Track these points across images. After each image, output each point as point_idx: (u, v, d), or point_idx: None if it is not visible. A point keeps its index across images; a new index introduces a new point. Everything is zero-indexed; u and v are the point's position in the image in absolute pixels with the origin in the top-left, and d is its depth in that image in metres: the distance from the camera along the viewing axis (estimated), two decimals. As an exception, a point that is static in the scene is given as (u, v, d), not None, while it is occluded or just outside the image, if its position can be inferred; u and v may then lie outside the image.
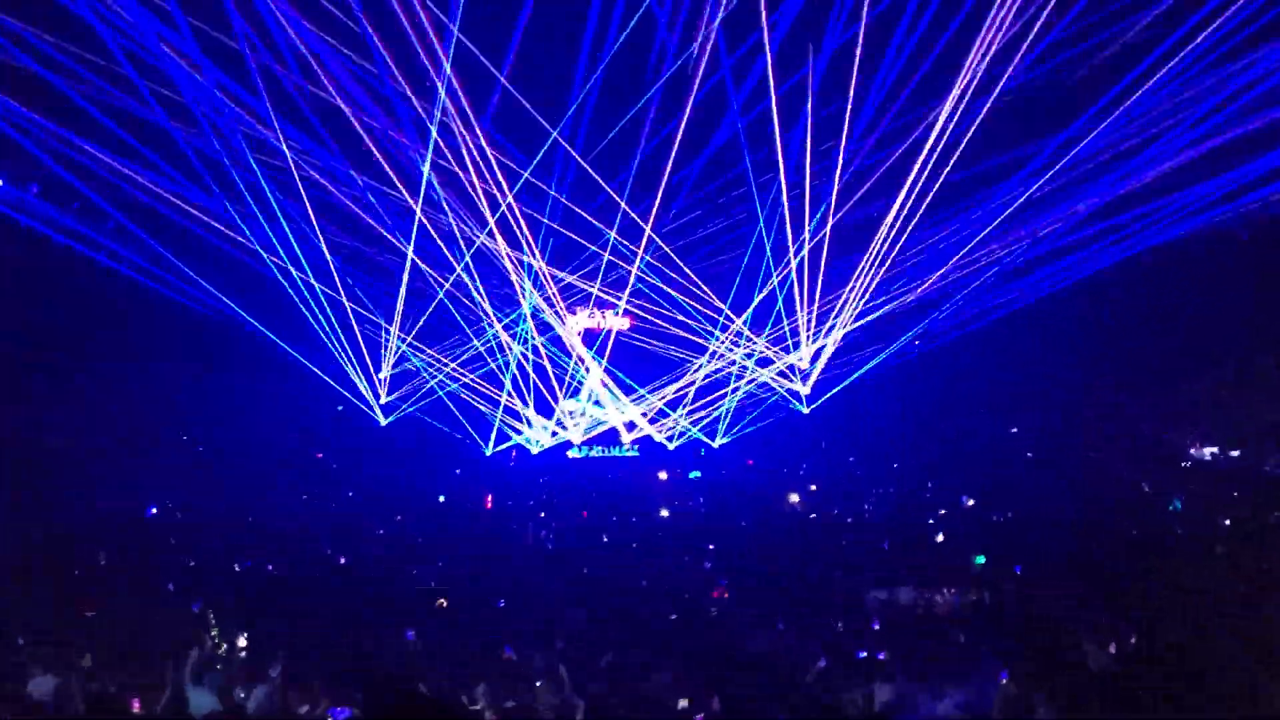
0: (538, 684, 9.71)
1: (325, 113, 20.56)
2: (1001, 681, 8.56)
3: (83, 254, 21.56)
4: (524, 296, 28.76)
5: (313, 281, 24.92)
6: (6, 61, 16.24)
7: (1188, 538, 18.40)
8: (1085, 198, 22.11)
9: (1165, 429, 33.18)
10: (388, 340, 28.46)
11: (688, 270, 28.08)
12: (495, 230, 24.82)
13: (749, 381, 32.48)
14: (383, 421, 31.34)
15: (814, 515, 23.18)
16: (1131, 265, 24.60)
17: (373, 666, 10.69)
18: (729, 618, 13.36)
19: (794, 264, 26.55)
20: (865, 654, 11.14)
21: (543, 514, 24.73)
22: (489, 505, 27.20)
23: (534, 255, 26.90)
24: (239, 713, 9.24)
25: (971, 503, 25.98)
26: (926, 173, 22.21)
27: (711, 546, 18.99)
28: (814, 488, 32.23)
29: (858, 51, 19.77)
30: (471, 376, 31.20)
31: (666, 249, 27.19)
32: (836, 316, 28.93)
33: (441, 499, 28.97)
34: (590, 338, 34.00)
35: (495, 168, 22.15)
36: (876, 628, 12.81)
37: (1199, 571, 14.22)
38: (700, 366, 32.12)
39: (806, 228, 25.15)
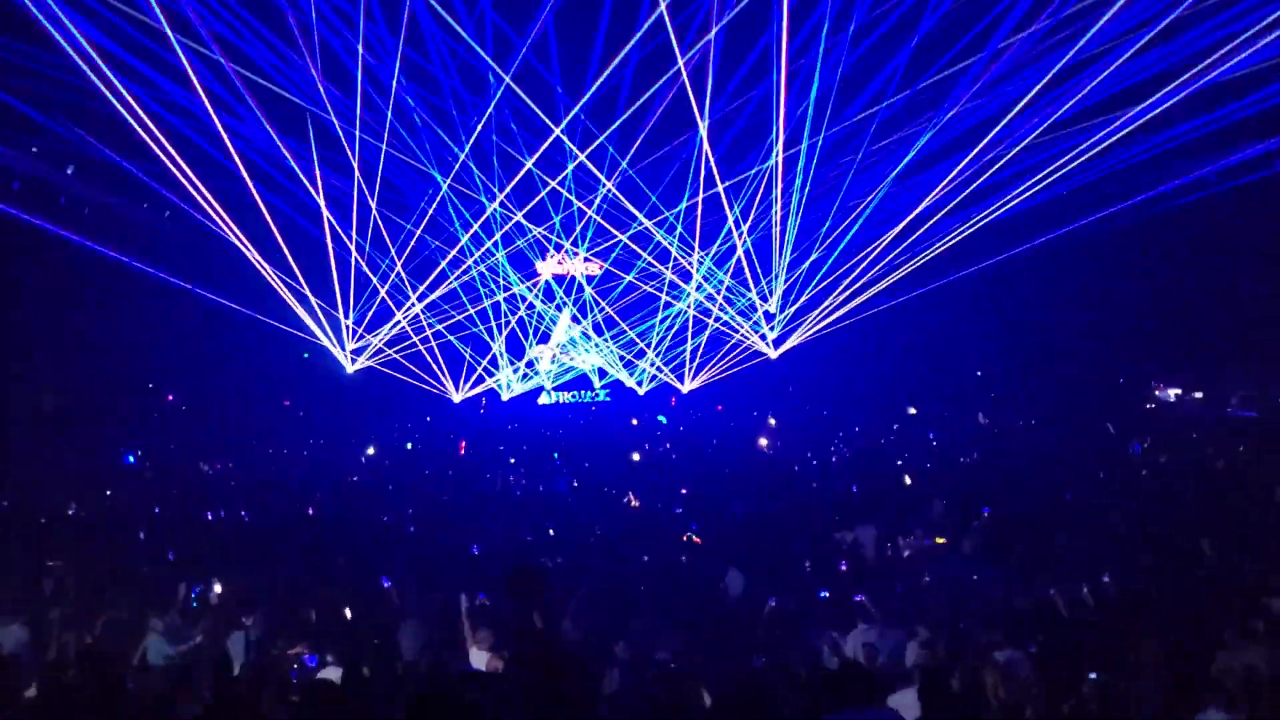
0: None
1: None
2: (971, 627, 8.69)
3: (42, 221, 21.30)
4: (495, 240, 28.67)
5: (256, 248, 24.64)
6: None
7: (1154, 479, 18.68)
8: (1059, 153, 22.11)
9: (1130, 372, 33.59)
10: (354, 285, 28.22)
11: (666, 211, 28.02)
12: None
13: (717, 323, 32.59)
14: (350, 368, 31.14)
15: (792, 463, 23.27)
16: (1104, 221, 24.74)
17: (348, 612, 10.71)
18: (700, 562, 13.43)
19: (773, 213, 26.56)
20: (827, 594, 11.24)
21: (512, 460, 24.70)
22: (462, 451, 27.11)
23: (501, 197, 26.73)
24: (206, 657, 9.27)
25: (935, 441, 26.29)
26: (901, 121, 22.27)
27: (684, 491, 19.06)
28: (773, 422, 32.47)
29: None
30: (433, 323, 31.07)
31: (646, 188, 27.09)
32: (807, 265, 29.03)
33: (410, 446, 28.87)
34: (560, 283, 33.94)
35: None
36: (844, 568, 12.96)
37: (1166, 512, 14.50)
38: (670, 309, 32.22)
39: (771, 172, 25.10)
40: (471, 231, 28.11)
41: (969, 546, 13.78)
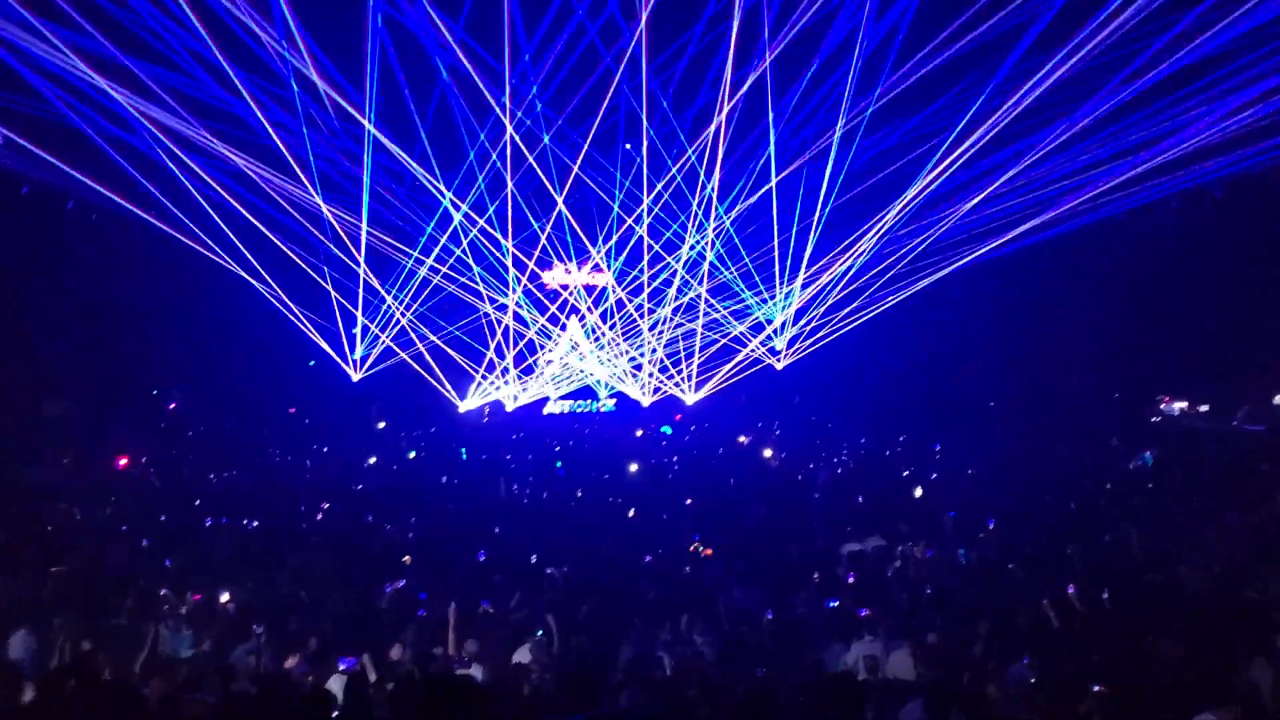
0: (538, 635, 9.78)
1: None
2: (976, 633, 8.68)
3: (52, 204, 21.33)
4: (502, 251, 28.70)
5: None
6: None
7: (1160, 492, 18.63)
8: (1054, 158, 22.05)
9: (1134, 385, 33.41)
10: (362, 294, 28.26)
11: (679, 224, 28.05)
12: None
13: (725, 336, 32.58)
14: (355, 377, 31.11)
15: (799, 475, 23.26)
16: (1102, 223, 24.82)
17: (354, 621, 10.71)
18: (705, 573, 13.43)
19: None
20: (837, 603, 11.25)
21: (515, 468, 24.72)
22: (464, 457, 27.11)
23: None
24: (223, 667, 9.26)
25: (939, 450, 26.23)
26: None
27: (689, 501, 19.04)
28: (779, 432, 32.47)
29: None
30: (438, 331, 31.09)
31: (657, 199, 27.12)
32: (814, 274, 29.04)
33: (413, 455, 28.81)
34: (566, 292, 33.94)
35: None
36: (852, 581, 12.92)
37: (1173, 524, 14.47)
38: (676, 322, 32.22)
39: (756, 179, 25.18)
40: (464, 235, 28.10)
41: (973, 558, 13.76)
